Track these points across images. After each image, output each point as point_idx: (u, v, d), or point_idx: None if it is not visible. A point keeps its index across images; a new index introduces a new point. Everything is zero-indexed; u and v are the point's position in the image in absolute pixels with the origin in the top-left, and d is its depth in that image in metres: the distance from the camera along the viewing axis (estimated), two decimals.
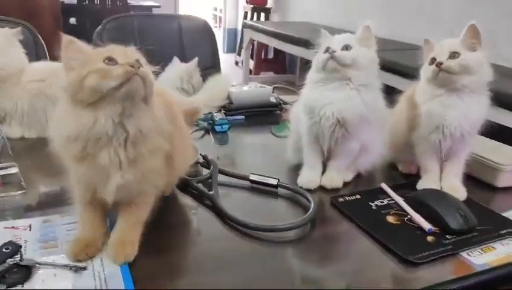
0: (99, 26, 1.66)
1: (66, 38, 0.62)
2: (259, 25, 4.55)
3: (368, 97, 0.89)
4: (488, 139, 1.03)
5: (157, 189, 0.72)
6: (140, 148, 0.64)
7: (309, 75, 0.94)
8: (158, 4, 4.82)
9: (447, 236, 0.75)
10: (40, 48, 1.58)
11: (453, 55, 0.86)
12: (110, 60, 0.60)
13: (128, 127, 0.61)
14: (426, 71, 0.91)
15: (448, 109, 0.88)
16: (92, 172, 0.63)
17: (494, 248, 0.73)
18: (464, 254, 0.72)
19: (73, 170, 0.65)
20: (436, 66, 0.86)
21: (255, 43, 5.12)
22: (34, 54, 1.53)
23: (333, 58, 0.87)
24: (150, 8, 4.63)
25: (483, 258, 0.71)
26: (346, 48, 0.88)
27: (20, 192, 0.84)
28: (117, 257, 0.64)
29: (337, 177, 0.94)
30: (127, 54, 0.63)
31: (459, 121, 0.87)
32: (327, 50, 0.88)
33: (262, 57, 5.64)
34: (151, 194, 0.71)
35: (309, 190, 0.89)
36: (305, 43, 3.47)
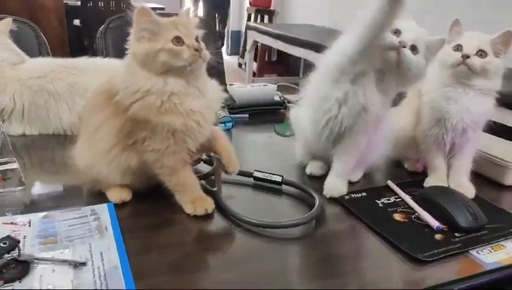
0: (103, 25, 1.65)
1: (139, 6, 0.70)
2: (263, 27, 4.53)
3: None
4: (495, 137, 1.02)
5: None
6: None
7: (345, 41, 0.84)
8: (162, 6, 4.82)
9: (456, 234, 0.74)
10: (43, 46, 1.57)
11: (481, 53, 0.84)
12: (178, 41, 0.71)
13: (196, 84, 0.74)
14: (446, 55, 0.87)
15: (451, 102, 0.86)
16: (187, 120, 0.72)
17: (504, 246, 0.72)
18: (473, 252, 0.70)
19: (166, 128, 0.71)
20: (462, 56, 0.84)
21: (259, 45, 5.10)
22: (37, 53, 1.52)
23: (399, 53, 0.77)
24: (153, 10, 4.63)
25: (494, 256, 0.69)
26: (414, 49, 0.79)
27: (20, 188, 0.82)
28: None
29: (340, 183, 0.88)
30: (190, 31, 0.73)
31: (462, 115, 0.86)
32: (396, 32, 0.79)
33: (266, 59, 5.61)
34: None
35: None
36: (309, 45, 3.45)
